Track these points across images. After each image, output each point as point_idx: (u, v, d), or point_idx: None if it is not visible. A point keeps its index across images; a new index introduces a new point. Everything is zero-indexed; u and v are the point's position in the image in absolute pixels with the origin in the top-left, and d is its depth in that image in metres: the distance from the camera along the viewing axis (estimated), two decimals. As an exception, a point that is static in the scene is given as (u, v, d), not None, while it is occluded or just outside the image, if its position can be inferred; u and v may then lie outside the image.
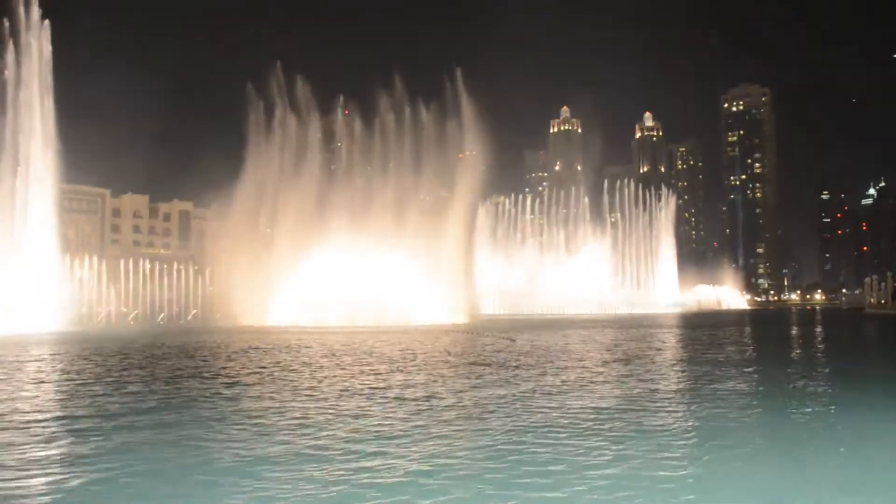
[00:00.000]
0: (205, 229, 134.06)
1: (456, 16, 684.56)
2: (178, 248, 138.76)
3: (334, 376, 25.07)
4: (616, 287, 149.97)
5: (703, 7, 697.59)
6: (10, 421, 16.18)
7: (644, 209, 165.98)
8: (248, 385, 22.46)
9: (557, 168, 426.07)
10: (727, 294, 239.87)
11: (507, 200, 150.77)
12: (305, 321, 76.16)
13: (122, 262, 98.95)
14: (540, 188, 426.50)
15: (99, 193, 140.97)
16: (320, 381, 23.11)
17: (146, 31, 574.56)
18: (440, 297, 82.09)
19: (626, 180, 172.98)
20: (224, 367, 28.69)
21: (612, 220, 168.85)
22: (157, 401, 19.01)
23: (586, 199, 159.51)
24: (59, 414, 17.41)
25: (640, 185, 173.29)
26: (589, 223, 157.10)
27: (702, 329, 66.46)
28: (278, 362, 30.89)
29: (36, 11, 70.43)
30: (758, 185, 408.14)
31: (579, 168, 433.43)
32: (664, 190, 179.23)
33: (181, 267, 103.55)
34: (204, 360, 32.60)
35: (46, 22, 70.98)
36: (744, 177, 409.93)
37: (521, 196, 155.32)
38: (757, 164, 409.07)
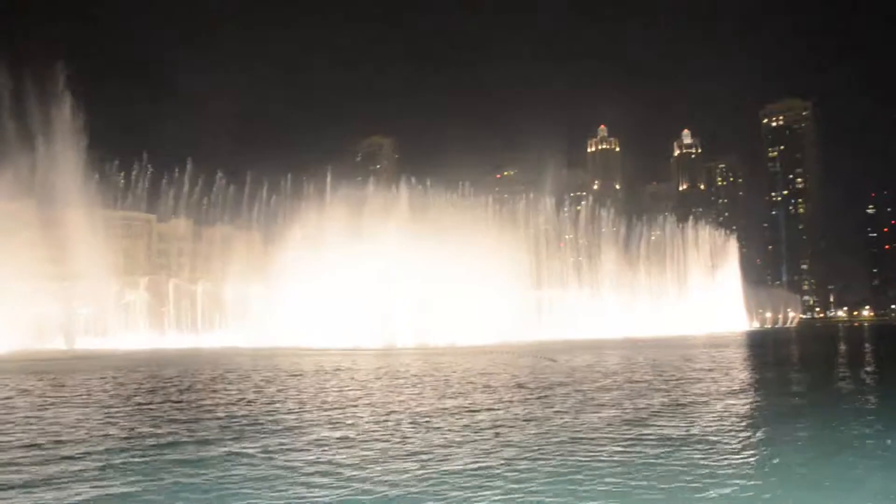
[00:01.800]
0: (247, 252, 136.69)
1: (491, 35, 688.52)
2: (221, 270, 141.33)
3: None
4: (667, 309, 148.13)
5: (740, 21, 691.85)
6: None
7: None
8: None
9: (596, 187, 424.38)
10: (775, 312, 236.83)
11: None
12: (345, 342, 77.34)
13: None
14: (578, 208, 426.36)
15: (145, 219, 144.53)
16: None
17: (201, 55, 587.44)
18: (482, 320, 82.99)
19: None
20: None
21: (653, 237, 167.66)
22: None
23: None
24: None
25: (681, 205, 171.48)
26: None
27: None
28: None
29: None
30: (800, 200, 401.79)
31: (618, 187, 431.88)
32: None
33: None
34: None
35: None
36: (786, 192, 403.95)
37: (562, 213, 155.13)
38: (799, 179, 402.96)
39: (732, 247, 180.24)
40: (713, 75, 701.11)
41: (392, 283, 78.96)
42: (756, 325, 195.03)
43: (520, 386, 30.65)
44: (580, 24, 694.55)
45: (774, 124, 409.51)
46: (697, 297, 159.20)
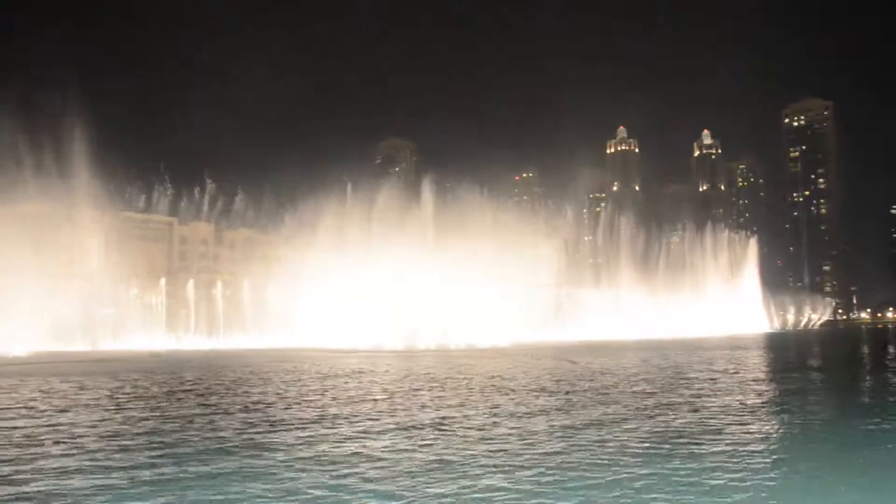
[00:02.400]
0: (268, 254, 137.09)
1: (509, 37, 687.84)
2: (243, 273, 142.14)
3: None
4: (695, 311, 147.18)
5: (760, 21, 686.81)
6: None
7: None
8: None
9: (615, 188, 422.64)
10: (798, 313, 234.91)
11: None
12: (367, 344, 77.42)
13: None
14: (598, 209, 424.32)
15: (167, 222, 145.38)
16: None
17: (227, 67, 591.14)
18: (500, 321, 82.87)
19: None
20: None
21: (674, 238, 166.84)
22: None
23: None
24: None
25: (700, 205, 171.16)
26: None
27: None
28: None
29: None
30: (822, 200, 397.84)
31: (637, 188, 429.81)
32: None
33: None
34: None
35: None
36: (807, 193, 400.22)
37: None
38: (821, 180, 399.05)
39: (752, 249, 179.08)
40: (733, 75, 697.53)
41: (412, 285, 79.03)
42: (777, 326, 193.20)
43: (542, 389, 30.43)
44: (598, 25, 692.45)
45: (795, 124, 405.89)
46: (716, 298, 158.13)
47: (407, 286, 79.14)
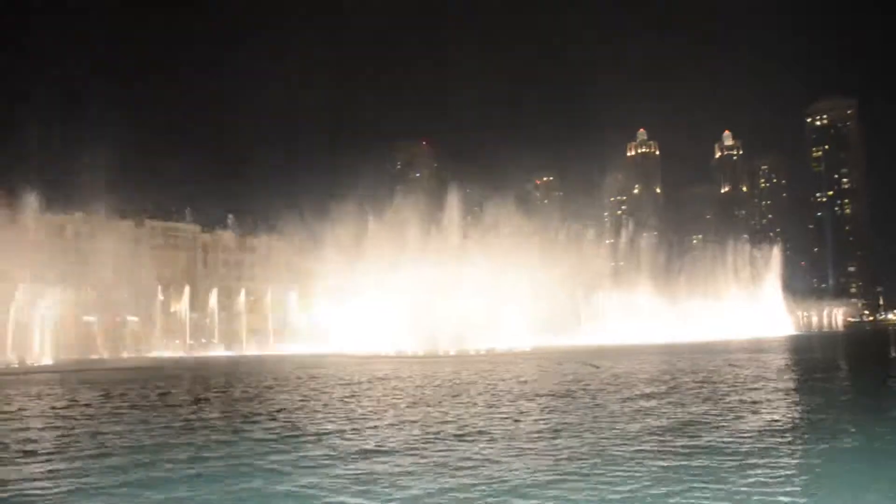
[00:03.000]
0: (291, 261, 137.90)
1: (527, 40, 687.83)
2: (264, 280, 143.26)
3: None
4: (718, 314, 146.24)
5: (779, 21, 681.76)
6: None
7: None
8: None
9: (636, 191, 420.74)
10: (822, 315, 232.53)
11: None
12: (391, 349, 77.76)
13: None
14: (619, 212, 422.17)
15: (191, 230, 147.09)
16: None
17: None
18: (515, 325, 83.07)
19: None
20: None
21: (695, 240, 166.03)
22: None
23: None
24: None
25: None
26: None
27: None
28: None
29: None
30: (846, 200, 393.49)
31: (658, 191, 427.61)
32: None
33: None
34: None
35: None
36: (831, 193, 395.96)
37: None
38: (845, 180, 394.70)
39: (775, 256, 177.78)
40: (754, 75, 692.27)
41: (434, 292, 79.48)
42: (801, 329, 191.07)
43: (567, 394, 30.46)
44: (618, 26, 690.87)
45: (818, 123, 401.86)
46: (737, 302, 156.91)
47: (428, 293, 79.51)
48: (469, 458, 16.29)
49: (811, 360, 56.71)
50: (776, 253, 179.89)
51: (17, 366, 62.87)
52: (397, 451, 17.40)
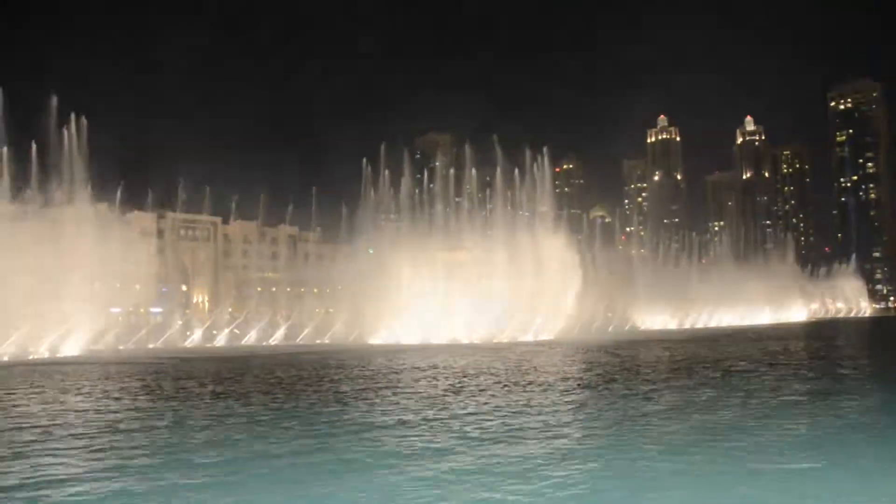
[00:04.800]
0: (310, 252, 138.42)
1: (546, 25, 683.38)
2: (285, 270, 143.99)
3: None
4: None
5: (802, 4, 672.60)
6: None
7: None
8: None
9: (657, 178, 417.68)
10: (847, 301, 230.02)
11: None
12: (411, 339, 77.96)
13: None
14: (639, 199, 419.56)
15: (211, 221, 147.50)
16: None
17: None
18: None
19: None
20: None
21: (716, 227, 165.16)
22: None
23: None
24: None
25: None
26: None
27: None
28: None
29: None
30: (871, 185, 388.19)
31: (679, 177, 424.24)
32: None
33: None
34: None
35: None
36: (855, 178, 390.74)
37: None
38: (870, 164, 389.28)
39: (789, 243, 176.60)
40: (776, 59, 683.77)
41: (460, 284, 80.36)
42: (823, 314, 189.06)
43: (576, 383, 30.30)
44: (637, 10, 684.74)
45: (842, 107, 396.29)
46: (753, 288, 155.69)
47: (453, 286, 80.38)
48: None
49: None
50: (789, 240, 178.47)
51: (47, 356, 63.49)
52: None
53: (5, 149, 73.56)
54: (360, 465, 15.36)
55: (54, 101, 75.39)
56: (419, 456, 16.08)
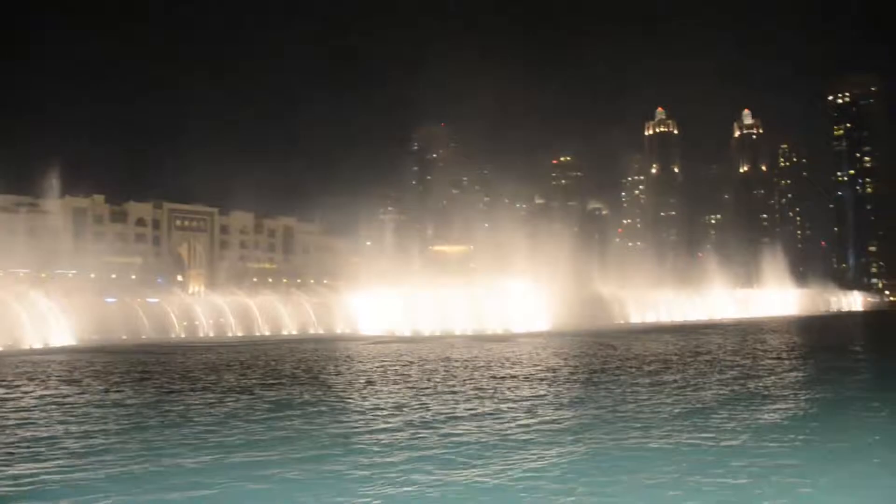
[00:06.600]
0: (308, 243, 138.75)
1: (542, 16, 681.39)
2: (283, 261, 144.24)
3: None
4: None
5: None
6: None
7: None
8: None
9: (654, 171, 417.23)
10: (842, 295, 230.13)
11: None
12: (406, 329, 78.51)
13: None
14: (636, 191, 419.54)
15: (208, 212, 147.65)
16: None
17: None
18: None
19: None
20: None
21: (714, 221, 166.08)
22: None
23: None
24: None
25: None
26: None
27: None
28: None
29: None
30: (868, 179, 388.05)
31: (677, 170, 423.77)
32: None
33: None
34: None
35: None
36: (852, 172, 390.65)
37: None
38: (867, 158, 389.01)
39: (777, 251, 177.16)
40: (773, 52, 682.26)
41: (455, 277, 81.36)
42: (819, 309, 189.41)
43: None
44: (633, 4, 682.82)
45: (840, 101, 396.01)
46: (742, 284, 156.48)
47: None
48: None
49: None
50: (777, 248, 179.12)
51: (40, 347, 63.66)
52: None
53: None
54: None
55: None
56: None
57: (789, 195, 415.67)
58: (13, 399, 27.78)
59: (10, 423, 22.13)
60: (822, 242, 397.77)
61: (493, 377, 33.11)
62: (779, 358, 42.54)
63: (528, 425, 20.28)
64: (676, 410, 22.67)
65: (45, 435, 19.86)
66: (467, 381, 31.28)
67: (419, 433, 19.22)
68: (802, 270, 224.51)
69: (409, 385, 30.43)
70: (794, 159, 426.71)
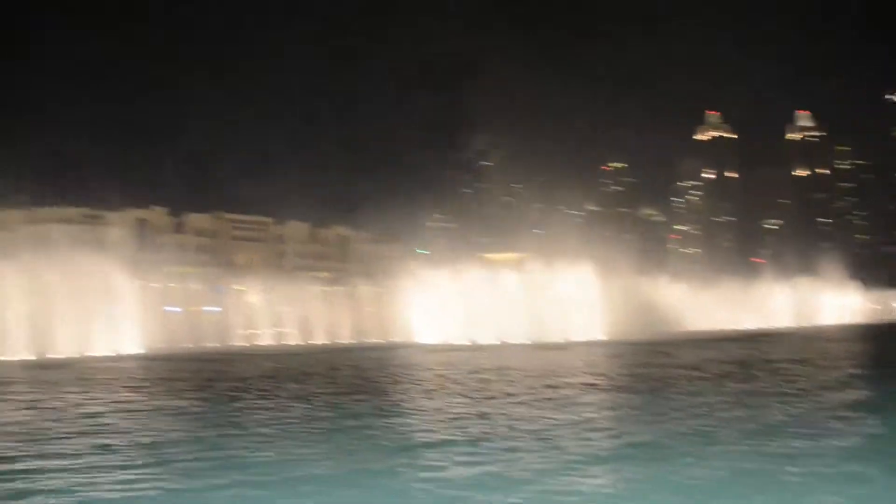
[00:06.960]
0: (363, 252, 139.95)
1: (591, 17, 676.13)
2: (338, 270, 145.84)
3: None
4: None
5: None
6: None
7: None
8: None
9: (708, 175, 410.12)
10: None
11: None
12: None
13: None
14: (690, 197, 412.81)
15: (264, 222, 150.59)
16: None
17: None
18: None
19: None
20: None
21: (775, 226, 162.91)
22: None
23: None
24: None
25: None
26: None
27: None
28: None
29: None
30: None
31: (731, 174, 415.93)
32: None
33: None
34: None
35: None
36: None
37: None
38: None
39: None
40: (831, 51, 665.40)
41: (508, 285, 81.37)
42: (876, 318, 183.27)
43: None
44: (685, 5, 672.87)
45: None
46: (802, 291, 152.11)
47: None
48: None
49: None
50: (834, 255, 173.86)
51: (113, 355, 65.37)
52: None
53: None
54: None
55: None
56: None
57: (849, 198, 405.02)
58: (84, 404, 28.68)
59: (78, 427, 22.64)
60: (882, 247, 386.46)
61: (567, 384, 33.21)
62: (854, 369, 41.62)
63: (616, 437, 20.18)
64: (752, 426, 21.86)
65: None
66: (532, 390, 31.44)
67: (483, 447, 18.94)
68: (864, 276, 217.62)
69: (468, 395, 30.59)
70: (854, 161, 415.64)
